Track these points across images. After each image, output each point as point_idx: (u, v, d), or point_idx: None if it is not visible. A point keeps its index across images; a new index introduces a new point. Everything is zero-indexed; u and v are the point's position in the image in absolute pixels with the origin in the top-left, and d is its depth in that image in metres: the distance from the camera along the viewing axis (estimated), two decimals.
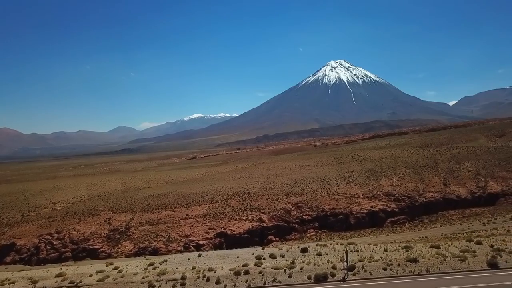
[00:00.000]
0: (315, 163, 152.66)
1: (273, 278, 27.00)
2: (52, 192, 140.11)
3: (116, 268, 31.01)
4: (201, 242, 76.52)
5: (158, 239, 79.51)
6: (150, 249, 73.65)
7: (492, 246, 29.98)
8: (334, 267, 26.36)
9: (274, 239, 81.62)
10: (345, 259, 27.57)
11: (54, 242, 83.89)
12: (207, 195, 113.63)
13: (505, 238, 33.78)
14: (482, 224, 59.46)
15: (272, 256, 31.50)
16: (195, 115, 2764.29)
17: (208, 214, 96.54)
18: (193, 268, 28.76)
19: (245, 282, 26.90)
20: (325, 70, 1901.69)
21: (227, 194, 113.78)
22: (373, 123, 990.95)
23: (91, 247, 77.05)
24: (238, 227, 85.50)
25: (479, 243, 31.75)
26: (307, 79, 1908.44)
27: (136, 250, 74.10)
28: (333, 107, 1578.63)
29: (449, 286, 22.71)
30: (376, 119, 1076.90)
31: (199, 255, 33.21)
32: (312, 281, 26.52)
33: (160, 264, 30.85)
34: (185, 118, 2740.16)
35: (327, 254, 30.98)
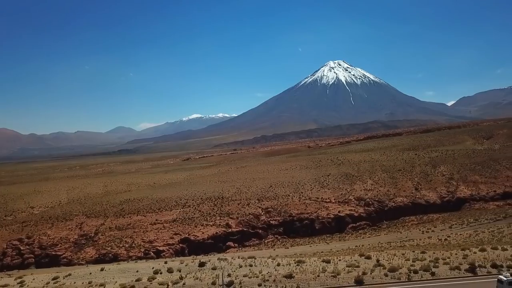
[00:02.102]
0: (294, 167, 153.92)
1: None
2: (32, 196, 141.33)
3: (21, 282, 32.28)
4: (161, 248, 77.78)
5: (121, 245, 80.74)
6: (110, 255, 74.90)
7: (378, 261, 31.21)
8: (214, 283, 27.70)
9: (233, 245, 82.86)
10: (222, 277, 28.92)
11: (22, 248, 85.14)
12: (181, 200, 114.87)
13: (396, 252, 34.99)
14: (421, 232, 60.62)
15: (170, 270, 32.86)
16: (194, 116, 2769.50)
17: (177, 219, 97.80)
18: (89, 283, 30.09)
19: None
20: (323, 71, 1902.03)
21: (201, 198, 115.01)
22: (370, 123, 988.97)
23: (53, 253, 78.36)
24: (203, 233, 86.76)
25: (368, 257, 33.03)
26: (306, 80, 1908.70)
27: (97, 256, 75.35)
28: (331, 108, 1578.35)
29: None
30: (374, 120, 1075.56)
31: (102, 269, 34.55)
32: None
33: (63, 278, 32.19)
34: (184, 119, 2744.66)
35: (221, 269, 32.34)
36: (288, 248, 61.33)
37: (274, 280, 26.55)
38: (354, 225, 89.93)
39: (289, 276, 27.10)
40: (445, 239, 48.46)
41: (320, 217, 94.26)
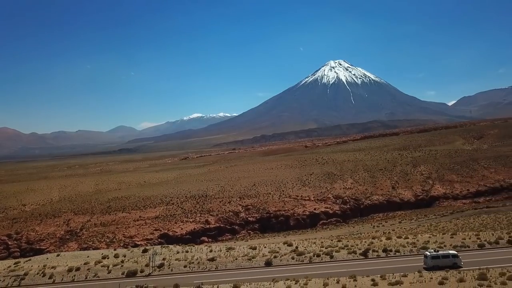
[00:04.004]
0: (280, 166, 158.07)
1: (94, 274, 32.88)
2: (24, 194, 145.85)
3: None
4: (139, 243, 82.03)
5: (103, 240, 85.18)
6: (91, 249, 78.94)
7: (296, 248, 35.41)
8: (147, 265, 31.92)
9: (207, 240, 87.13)
10: (153, 259, 33.27)
11: (9, 243, 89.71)
12: (166, 198, 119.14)
13: (316, 241, 39.19)
14: (372, 227, 64.85)
15: (116, 256, 37.17)
16: (195, 115, 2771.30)
17: (160, 216, 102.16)
18: (44, 266, 34.33)
19: (72, 277, 32.80)
20: (324, 70, 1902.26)
21: (185, 197, 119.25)
22: (370, 123, 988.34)
23: (37, 247, 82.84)
24: (182, 229, 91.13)
25: (290, 245, 37.26)
26: (306, 79, 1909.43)
27: (78, 250, 79.59)
28: (332, 107, 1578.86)
29: (216, 278, 28.60)
30: (374, 119, 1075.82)
31: (58, 255, 38.84)
32: (124, 276, 32.53)
33: (24, 263, 36.49)
34: (184, 118, 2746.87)
35: (159, 254, 36.63)
36: (247, 241, 65.54)
37: (199, 263, 30.75)
38: (325, 221, 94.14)
39: (212, 260, 31.30)
40: (388, 232, 52.51)
41: (295, 214, 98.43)
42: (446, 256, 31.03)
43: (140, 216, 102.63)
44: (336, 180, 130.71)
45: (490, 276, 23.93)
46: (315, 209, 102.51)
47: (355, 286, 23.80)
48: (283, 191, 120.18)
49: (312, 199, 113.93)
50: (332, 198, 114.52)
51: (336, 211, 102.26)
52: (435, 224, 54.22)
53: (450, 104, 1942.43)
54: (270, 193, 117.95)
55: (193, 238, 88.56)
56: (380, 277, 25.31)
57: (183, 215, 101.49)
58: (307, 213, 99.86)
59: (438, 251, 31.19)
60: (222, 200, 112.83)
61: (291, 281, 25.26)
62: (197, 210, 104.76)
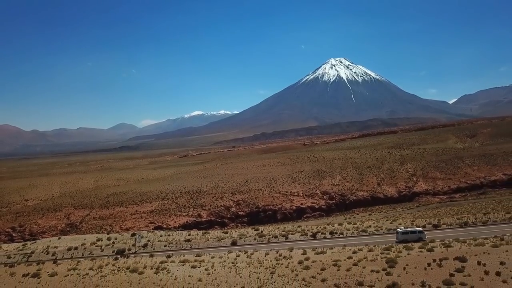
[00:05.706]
0: (272, 164, 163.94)
1: (89, 252, 38.94)
2: (27, 190, 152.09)
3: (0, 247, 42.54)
4: None
5: (101, 232, 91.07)
6: None
7: (261, 232, 41.28)
8: (133, 245, 37.82)
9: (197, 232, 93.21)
10: (138, 240, 39.24)
11: (14, 235, 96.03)
12: (161, 193, 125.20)
13: (280, 226, 45.02)
14: (344, 219, 70.62)
15: (109, 239, 43.14)
16: (196, 113, 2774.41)
17: (155, 210, 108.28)
18: (48, 246, 40.26)
19: (71, 254, 38.89)
20: (324, 68, 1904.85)
21: (180, 192, 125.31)
22: (370, 121, 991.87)
23: (40, 238, 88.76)
24: (175, 222, 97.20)
25: (257, 229, 43.28)
26: (307, 77, 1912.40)
27: None
28: (332, 105, 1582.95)
29: (189, 253, 34.56)
30: (375, 117, 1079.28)
31: (59, 238, 44.78)
32: (114, 253, 38.48)
33: (30, 245, 42.42)
34: (185, 115, 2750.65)
35: (145, 237, 42.65)
36: (226, 231, 71.46)
37: (176, 243, 36.62)
38: (309, 215, 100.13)
39: (188, 241, 37.16)
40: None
41: (283, 209, 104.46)
42: (413, 232, 37.43)
43: (136, 210, 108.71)
44: (325, 177, 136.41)
45: (395, 248, 29.81)
46: (301, 204, 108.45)
47: (289, 254, 29.71)
48: (273, 187, 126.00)
49: (301, 194, 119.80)
50: (319, 194, 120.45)
51: (322, 206, 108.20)
52: (397, 215, 59.93)
53: (451, 102, 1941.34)
54: (261, 189, 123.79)
55: (185, 230, 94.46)
56: (312, 249, 31.20)
57: (177, 209, 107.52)
58: (294, 207, 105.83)
59: (407, 227, 38.11)
60: (215, 196, 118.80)
61: (241, 252, 31.16)
62: (191, 205, 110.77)
